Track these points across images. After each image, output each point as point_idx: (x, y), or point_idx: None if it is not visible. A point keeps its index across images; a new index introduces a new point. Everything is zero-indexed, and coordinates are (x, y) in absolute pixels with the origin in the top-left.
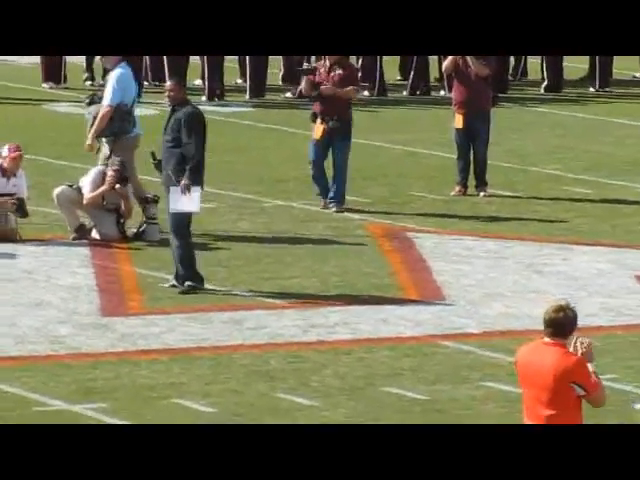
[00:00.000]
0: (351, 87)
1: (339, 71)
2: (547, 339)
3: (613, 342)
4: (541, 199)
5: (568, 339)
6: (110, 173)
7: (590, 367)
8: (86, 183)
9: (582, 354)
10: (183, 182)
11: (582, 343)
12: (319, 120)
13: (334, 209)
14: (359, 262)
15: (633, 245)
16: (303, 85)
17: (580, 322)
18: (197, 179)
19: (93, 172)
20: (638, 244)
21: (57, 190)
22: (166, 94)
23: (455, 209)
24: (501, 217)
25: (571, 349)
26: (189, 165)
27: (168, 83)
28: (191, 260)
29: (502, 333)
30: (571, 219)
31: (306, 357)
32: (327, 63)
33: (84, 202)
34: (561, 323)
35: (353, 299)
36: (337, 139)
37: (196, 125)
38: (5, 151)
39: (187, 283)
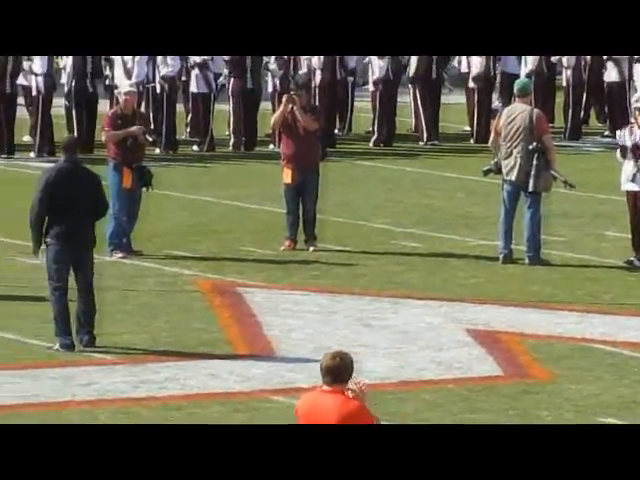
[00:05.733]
0: None
1: None
2: (326, 387)
3: (444, 395)
4: (371, 253)
5: (346, 385)
6: None
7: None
8: None
9: (356, 392)
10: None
11: (357, 383)
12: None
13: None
14: (189, 317)
15: (463, 299)
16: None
17: (411, 376)
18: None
19: None
20: (468, 297)
21: None
22: None
23: (285, 264)
24: (331, 271)
25: (349, 392)
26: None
27: None
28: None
29: None
30: (401, 273)
31: (136, 413)
32: None
33: None
34: (338, 369)
35: (183, 354)
36: None
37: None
38: None
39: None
